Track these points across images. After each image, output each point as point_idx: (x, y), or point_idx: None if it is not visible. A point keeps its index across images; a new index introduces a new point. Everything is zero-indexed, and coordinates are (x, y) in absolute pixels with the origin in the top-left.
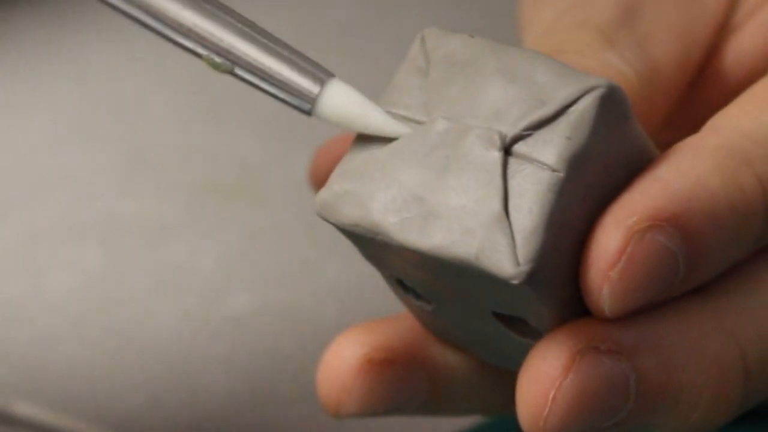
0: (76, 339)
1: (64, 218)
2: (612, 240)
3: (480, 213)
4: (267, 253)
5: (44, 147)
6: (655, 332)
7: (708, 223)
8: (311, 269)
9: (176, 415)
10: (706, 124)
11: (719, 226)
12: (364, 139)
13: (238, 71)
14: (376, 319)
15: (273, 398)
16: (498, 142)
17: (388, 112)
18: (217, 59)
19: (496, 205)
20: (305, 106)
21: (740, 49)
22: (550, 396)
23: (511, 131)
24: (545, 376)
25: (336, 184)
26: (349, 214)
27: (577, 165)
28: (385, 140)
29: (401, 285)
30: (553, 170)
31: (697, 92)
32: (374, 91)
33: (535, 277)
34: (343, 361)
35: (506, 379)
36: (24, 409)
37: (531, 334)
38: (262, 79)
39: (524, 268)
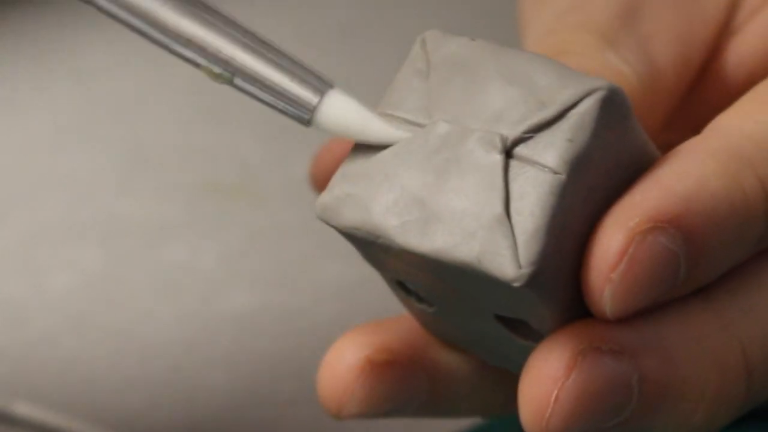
0: (76, 339)
1: (64, 218)
2: (613, 241)
3: (481, 215)
4: (267, 253)
5: (44, 147)
6: (657, 333)
7: (710, 224)
8: (311, 269)
9: (176, 415)
10: (707, 126)
11: (721, 227)
12: None
13: (238, 81)
14: (377, 320)
15: (273, 398)
16: (499, 145)
17: (389, 116)
18: (216, 69)
19: (498, 207)
20: (304, 116)
21: (741, 50)
22: (553, 396)
23: (512, 134)
24: (547, 376)
25: (337, 187)
26: (351, 218)
27: (579, 167)
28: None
29: (402, 287)
30: (555, 173)
31: (698, 93)
32: (374, 92)
33: (536, 279)
34: (344, 363)
35: (507, 379)
36: (24, 409)
37: (532, 336)
38: (261, 89)
39: (526, 270)
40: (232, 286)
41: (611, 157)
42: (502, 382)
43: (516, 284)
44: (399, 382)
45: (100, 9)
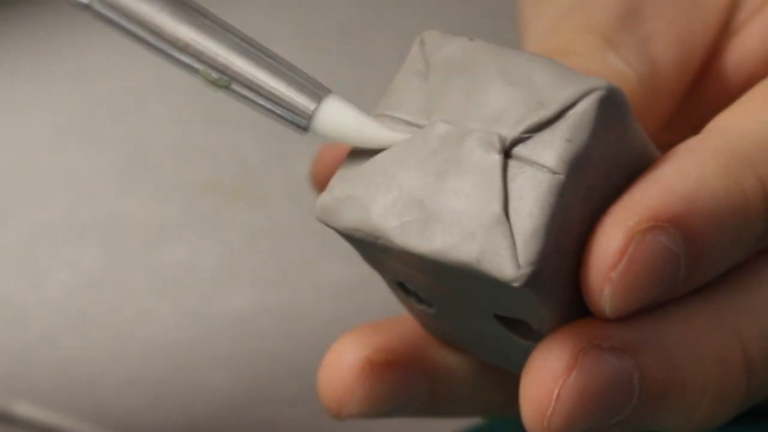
0: (76, 339)
1: (64, 218)
2: (613, 241)
3: (480, 216)
4: (267, 253)
5: (44, 147)
6: (657, 331)
7: (709, 223)
8: (311, 269)
9: (176, 415)
10: (707, 126)
11: (720, 226)
12: None
13: (235, 87)
14: (377, 320)
15: (273, 398)
16: (498, 145)
17: (388, 117)
18: (214, 75)
19: (497, 207)
20: (301, 123)
21: (741, 50)
22: (554, 395)
23: (510, 134)
24: (548, 375)
25: (336, 188)
26: (350, 219)
27: (578, 167)
28: None
29: (402, 288)
30: (554, 173)
31: (697, 94)
32: (374, 92)
33: (536, 279)
34: (344, 363)
35: (507, 379)
36: (24, 409)
37: (532, 336)
38: (258, 96)
39: (525, 270)
40: (232, 286)
41: (610, 157)
42: (502, 382)
43: (515, 284)
44: (399, 382)
45: (97, 15)
